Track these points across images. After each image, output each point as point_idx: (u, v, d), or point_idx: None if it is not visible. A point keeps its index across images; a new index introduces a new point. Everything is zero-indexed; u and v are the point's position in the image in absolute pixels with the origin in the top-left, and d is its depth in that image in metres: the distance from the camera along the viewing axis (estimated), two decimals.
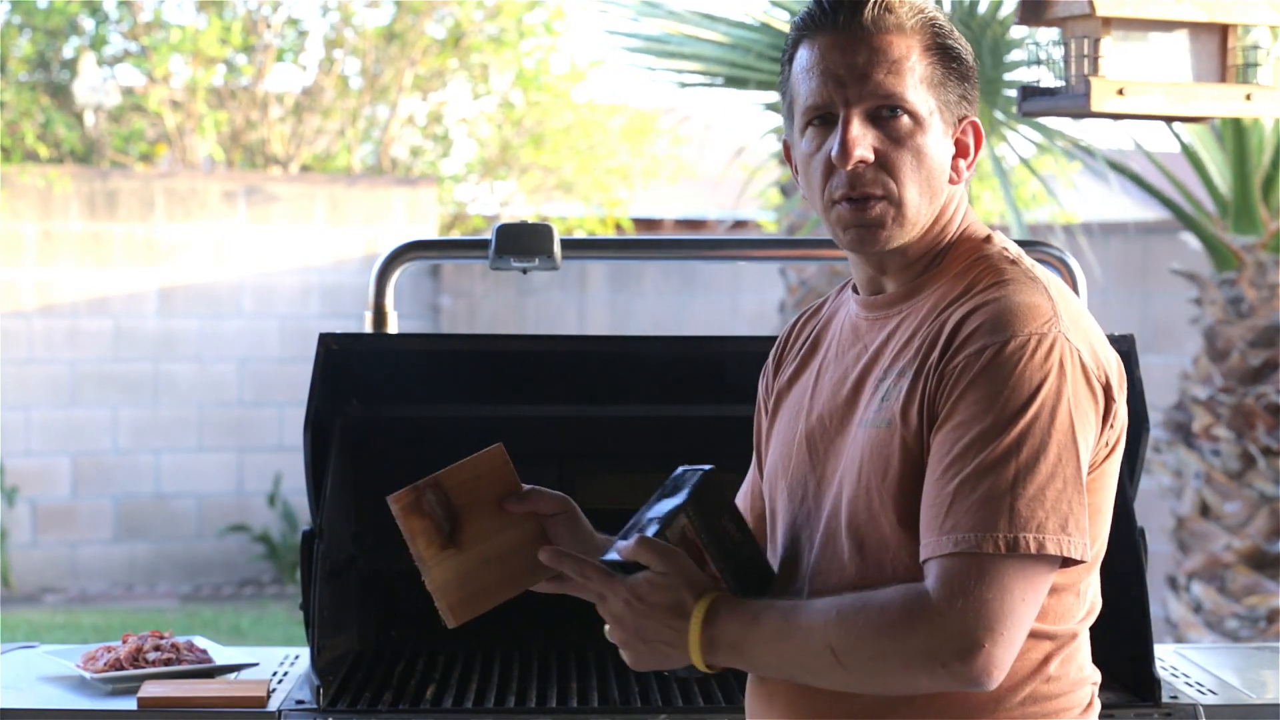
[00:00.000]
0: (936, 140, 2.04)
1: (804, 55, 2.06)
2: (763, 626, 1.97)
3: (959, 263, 2.06)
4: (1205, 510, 6.47)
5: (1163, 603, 6.62)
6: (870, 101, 2.02)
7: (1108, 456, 2.01)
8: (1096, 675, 2.09)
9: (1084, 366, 1.95)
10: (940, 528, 1.91)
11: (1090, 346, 1.98)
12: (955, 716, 1.97)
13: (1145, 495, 3.13)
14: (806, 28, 2.06)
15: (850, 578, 2.01)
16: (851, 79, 2.02)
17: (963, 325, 1.97)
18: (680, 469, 2.09)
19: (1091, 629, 2.09)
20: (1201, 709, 2.77)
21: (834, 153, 2.02)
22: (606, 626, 2.05)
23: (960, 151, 2.08)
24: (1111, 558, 2.92)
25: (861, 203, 2.03)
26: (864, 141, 2.01)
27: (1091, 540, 2.00)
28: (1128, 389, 2.91)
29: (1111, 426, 2.00)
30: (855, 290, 2.15)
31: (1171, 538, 6.62)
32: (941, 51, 2.06)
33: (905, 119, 2.02)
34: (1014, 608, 1.89)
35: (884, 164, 2.02)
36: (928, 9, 2.08)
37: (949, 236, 2.08)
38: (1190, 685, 2.91)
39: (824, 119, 2.04)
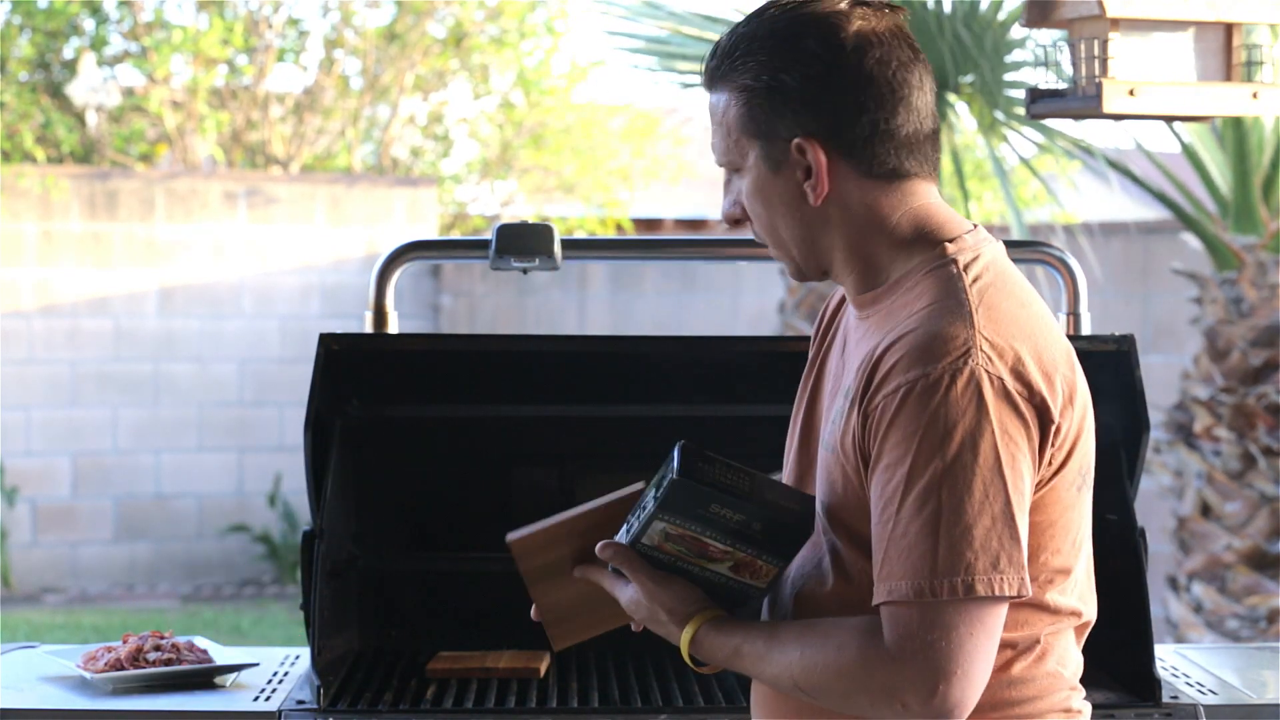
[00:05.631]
0: (767, 184, 2.07)
1: None
2: (741, 660, 2.04)
3: (915, 273, 2.03)
4: (1206, 510, 6.47)
5: (1163, 603, 6.62)
6: (720, 164, 2.12)
7: (1058, 471, 1.98)
8: (1076, 682, 2.07)
9: (1007, 393, 1.91)
10: (880, 574, 1.92)
11: (1018, 367, 1.93)
12: None
13: (1145, 495, 3.13)
14: None
15: (828, 588, 2.05)
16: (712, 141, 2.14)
17: (884, 359, 1.95)
18: (677, 446, 2.06)
19: (1092, 629, 2.08)
20: (1201, 709, 2.77)
21: None
22: None
23: (805, 176, 2.05)
24: (1112, 558, 2.93)
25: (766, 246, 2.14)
26: (727, 200, 2.12)
27: (1054, 554, 1.99)
28: (1128, 389, 2.93)
29: (1053, 444, 1.95)
30: None
31: (1172, 538, 6.61)
32: (758, 87, 2.05)
33: (739, 175, 2.09)
34: (963, 647, 1.88)
35: (749, 217, 2.11)
36: (747, 39, 2.06)
37: (882, 252, 2.06)
38: (1190, 685, 2.90)
39: None
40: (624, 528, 2.10)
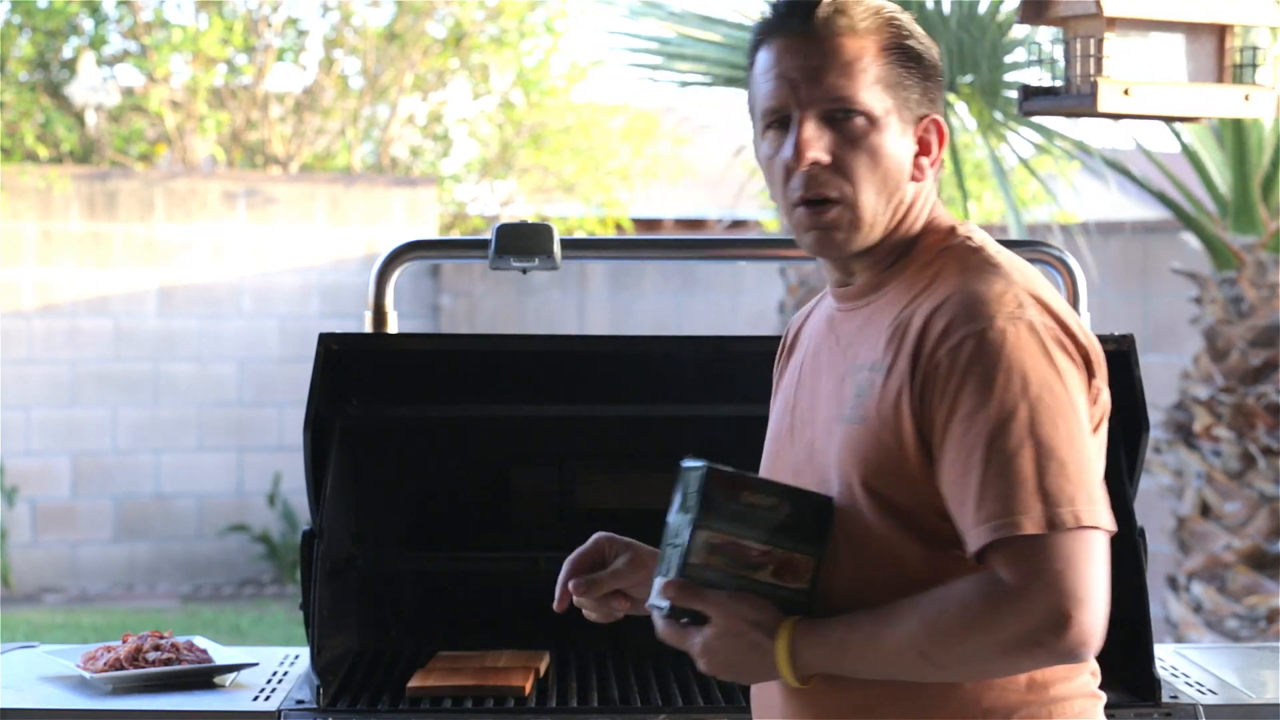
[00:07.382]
0: (894, 140, 2.07)
1: (761, 59, 2.10)
2: (850, 649, 2.00)
3: (924, 255, 2.09)
4: (1205, 510, 6.47)
5: (1163, 603, 6.62)
6: (823, 104, 2.05)
7: (1093, 431, 2.02)
8: (1094, 664, 2.10)
9: (1062, 343, 1.98)
10: (979, 517, 1.93)
11: (1064, 322, 2.00)
12: (958, 716, 1.99)
13: (1145, 495, 3.13)
14: (763, 31, 2.11)
15: (844, 572, 2.04)
16: (805, 82, 2.05)
17: (933, 320, 1.99)
18: (683, 465, 2.08)
19: None
20: (1201, 709, 2.77)
21: (788, 155, 2.06)
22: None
23: (923, 149, 2.10)
24: (1111, 557, 2.93)
25: (818, 206, 2.06)
26: (818, 144, 2.05)
27: None
28: (1128, 388, 2.93)
29: (1094, 402, 2.02)
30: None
31: (1172, 538, 6.61)
32: (900, 51, 2.09)
33: (860, 120, 2.05)
34: (1086, 574, 1.91)
35: (839, 166, 2.05)
36: (886, 8, 2.10)
37: (914, 232, 2.11)
38: (1190, 685, 2.90)
39: (781, 122, 2.08)
40: (659, 571, 2.06)
